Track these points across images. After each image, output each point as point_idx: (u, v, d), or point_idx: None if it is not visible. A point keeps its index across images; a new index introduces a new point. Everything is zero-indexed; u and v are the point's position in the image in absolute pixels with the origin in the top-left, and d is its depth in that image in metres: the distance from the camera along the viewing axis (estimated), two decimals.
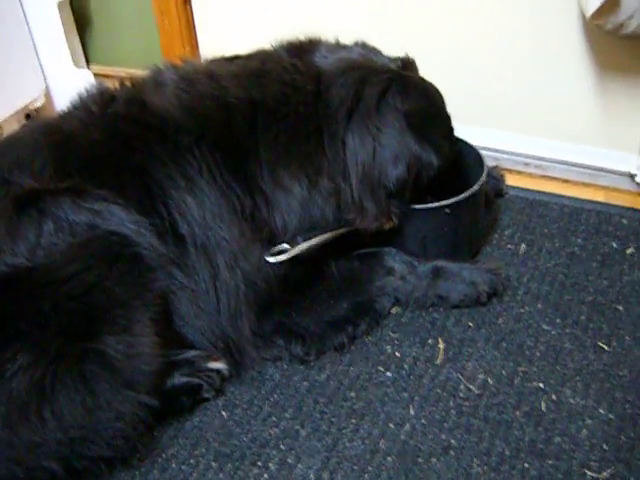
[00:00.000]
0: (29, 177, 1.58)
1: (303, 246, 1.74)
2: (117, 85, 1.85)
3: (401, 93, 1.76)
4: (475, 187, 1.88)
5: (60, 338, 1.43)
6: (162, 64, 1.88)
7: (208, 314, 1.69)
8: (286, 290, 1.78)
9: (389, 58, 1.89)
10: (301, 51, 1.86)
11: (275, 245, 1.73)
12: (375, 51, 1.90)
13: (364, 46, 1.90)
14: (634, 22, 1.81)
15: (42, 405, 1.39)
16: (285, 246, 1.73)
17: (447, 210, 1.84)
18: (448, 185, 1.89)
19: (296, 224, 1.74)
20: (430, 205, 1.84)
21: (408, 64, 1.91)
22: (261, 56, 1.87)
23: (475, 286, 1.87)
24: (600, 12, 1.81)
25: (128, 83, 1.85)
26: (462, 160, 2.05)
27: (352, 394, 1.69)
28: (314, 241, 1.75)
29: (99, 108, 1.76)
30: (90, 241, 1.52)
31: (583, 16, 1.91)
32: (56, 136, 1.70)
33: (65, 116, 1.80)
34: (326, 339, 1.79)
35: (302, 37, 1.90)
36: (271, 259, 1.71)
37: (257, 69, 1.81)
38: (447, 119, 1.91)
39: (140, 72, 1.90)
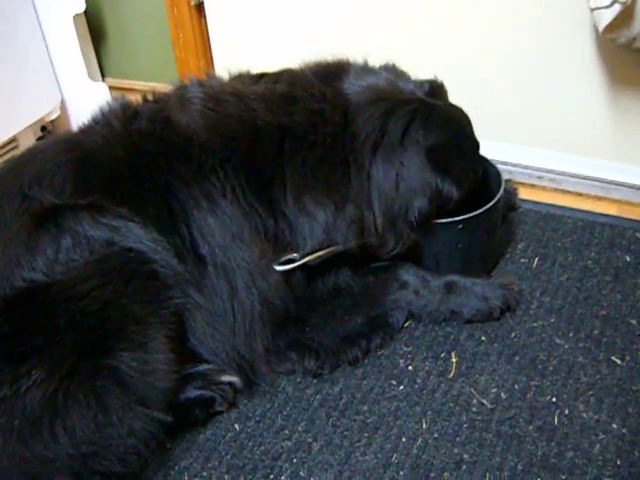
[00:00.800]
0: (49, 193, 1.58)
1: (312, 256, 1.74)
2: (139, 99, 1.85)
3: (424, 126, 1.77)
4: (490, 204, 1.87)
5: (74, 354, 1.43)
6: (188, 79, 1.89)
7: (223, 334, 1.70)
8: (301, 307, 1.79)
9: (416, 83, 1.88)
10: (329, 76, 1.86)
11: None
12: (403, 75, 1.90)
13: (392, 70, 1.91)
14: None
15: (54, 420, 1.39)
16: (294, 255, 1.73)
17: (460, 226, 1.84)
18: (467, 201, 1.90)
19: (317, 248, 1.75)
20: (443, 221, 1.84)
21: (436, 89, 1.90)
22: (289, 78, 1.87)
23: (488, 301, 1.87)
24: (613, 26, 1.81)
25: (150, 98, 1.85)
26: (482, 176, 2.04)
27: (365, 408, 1.69)
28: (323, 252, 1.75)
29: (121, 124, 1.75)
30: (107, 257, 1.53)
31: (596, 30, 1.91)
32: (77, 152, 1.70)
33: (86, 131, 1.79)
34: (340, 353, 1.79)
35: (330, 59, 1.91)
36: (279, 267, 1.71)
37: (286, 93, 1.81)
38: (471, 149, 1.90)
39: (157, 86, 1.91)
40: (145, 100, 1.85)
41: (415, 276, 1.88)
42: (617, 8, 1.75)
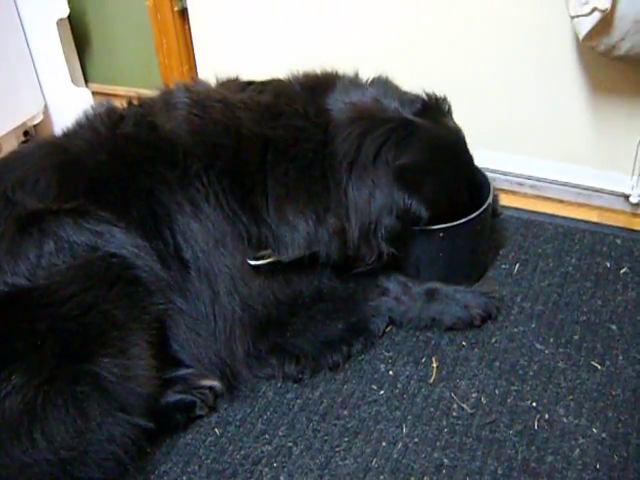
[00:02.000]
0: (33, 197, 1.58)
1: (288, 256, 1.74)
2: (124, 104, 1.85)
3: (397, 146, 1.77)
4: (473, 215, 1.87)
5: (54, 359, 1.43)
6: (174, 84, 1.89)
7: (205, 339, 1.70)
8: (282, 312, 1.78)
9: (406, 99, 1.88)
10: (316, 90, 1.87)
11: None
12: (393, 90, 1.90)
13: (383, 83, 1.91)
14: (626, 44, 1.82)
15: (32, 426, 1.38)
16: (269, 251, 1.73)
17: (441, 234, 1.84)
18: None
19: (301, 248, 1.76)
20: (424, 228, 1.83)
21: (431, 105, 1.90)
22: (275, 89, 1.88)
23: (469, 309, 1.87)
24: (593, 34, 1.82)
25: (136, 102, 1.85)
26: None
27: (345, 412, 1.69)
28: (299, 252, 1.76)
29: (106, 128, 1.75)
30: (90, 263, 1.53)
31: (577, 38, 1.92)
32: (61, 156, 1.70)
33: (71, 135, 1.79)
34: (320, 359, 1.79)
35: (319, 71, 1.93)
36: (253, 262, 1.72)
37: (271, 105, 1.82)
38: (452, 171, 1.88)
39: (140, 91, 1.91)
40: (130, 104, 1.86)
41: (396, 283, 1.88)
42: (597, 16, 1.77)
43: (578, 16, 1.82)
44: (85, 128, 1.79)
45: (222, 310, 1.70)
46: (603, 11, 1.75)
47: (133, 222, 1.62)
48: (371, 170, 1.76)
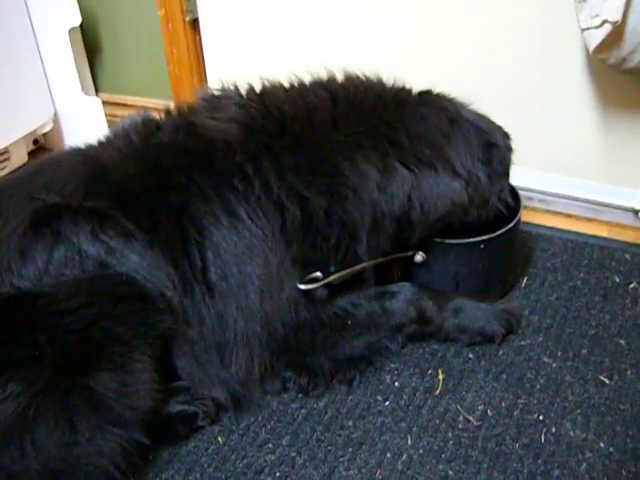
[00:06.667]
0: (56, 196, 1.56)
1: (335, 275, 1.71)
2: (162, 114, 1.82)
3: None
4: (510, 225, 1.87)
5: (50, 370, 1.41)
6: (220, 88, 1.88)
7: (213, 362, 1.67)
8: (303, 332, 1.75)
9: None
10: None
11: (312, 270, 1.71)
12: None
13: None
14: (637, 56, 1.82)
15: (23, 435, 1.37)
16: (318, 274, 1.70)
17: (482, 246, 1.84)
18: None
19: (370, 221, 1.74)
20: (465, 240, 1.83)
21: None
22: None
23: (491, 326, 1.85)
24: (603, 46, 1.82)
25: (175, 110, 1.82)
26: None
27: (350, 423, 1.68)
28: (346, 271, 1.73)
29: (140, 138, 1.72)
30: (98, 278, 1.51)
31: (587, 51, 1.92)
32: (92, 165, 1.67)
33: (105, 144, 1.77)
34: (338, 375, 1.78)
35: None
36: (303, 287, 1.68)
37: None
38: None
39: (150, 101, 1.90)
40: (168, 112, 1.83)
41: (420, 300, 1.84)
42: (607, 28, 1.76)
43: (588, 28, 1.81)
44: (120, 138, 1.75)
45: (245, 330, 1.66)
46: (614, 23, 1.74)
47: (159, 241, 1.58)
48: None
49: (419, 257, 1.87)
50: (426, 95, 1.90)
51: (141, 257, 1.55)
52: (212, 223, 1.63)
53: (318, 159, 1.71)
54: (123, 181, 1.63)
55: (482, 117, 1.92)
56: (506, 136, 1.93)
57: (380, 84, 1.88)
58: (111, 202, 1.59)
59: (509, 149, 1.93)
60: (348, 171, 1.71)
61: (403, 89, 1.89)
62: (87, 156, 1.73)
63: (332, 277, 1.71)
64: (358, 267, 1.75)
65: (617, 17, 1.73)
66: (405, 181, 1.76)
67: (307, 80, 1.87)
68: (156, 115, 1.83)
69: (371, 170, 1.73)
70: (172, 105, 1.87)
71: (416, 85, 1.92)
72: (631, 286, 2.04)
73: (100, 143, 1.79)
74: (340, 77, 1.88)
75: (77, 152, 1.79)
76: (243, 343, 1.67)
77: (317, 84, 1.86)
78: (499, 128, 1.93)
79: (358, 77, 1.88)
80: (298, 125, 1.73)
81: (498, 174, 1.89)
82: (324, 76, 1.88)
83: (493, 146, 1.87)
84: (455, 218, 1.84)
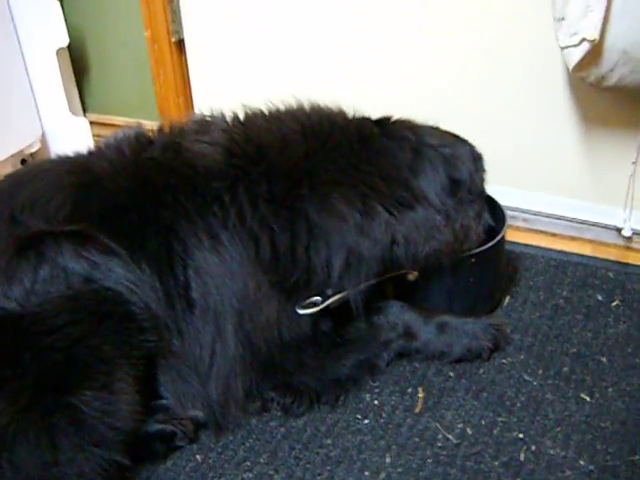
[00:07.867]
0: (40, 219, 1.56)
1: (334, 298, 1.71)
2: (154, 131, 1.83)
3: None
4: (498, 237, 1.89)
5: (33, 388, 1.40)
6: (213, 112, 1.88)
7: (197, 379, 1.66)
8: (288, 351, 1.74)
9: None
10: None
11: (304, 294, 1.70)
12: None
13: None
14: (616, 75, 1.83)
15: (1, 453, 1.36)
16: (317, 299, 1.70)
17: (472, 260, 1.85)
18: None
19: (342, 264, 1.70)
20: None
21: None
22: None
23: (478, 341, 1.85)
24: (582, 64, 1.82)
25: (167, 129, 1.82)
26: None
27: (328, 441, 1.66)
28: (345, 293, 1.72)
29: (132, 151, 1.72)
30: (83, 294, 1.50)
31: (568, 69, 1.93)
32: (81, 176, 1.67)
33: (95, 154, 1.76)
34: (323, 395, 1.76)
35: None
36: (302, 311, 1.68)
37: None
38: None
39: (136, 122, 1.90)
40: (161, 130, 1.83)
41: (407, 318, 1.85)
42: (585, 46, 1.77)
43: (567, 47, 1.83)
44: (111, 149, 1.75)
45: (224, 349, 1.65)
46: (592, 41, 1.75)
47: (146, 256, 1.59)
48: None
49: (412, 276, 1.86)
50: (386, 126, 1.88)
51: (125, 270, 1.55)
52: (195, 244, 1.63)
53: (287, 189, 1.70)
54: (115, 193, 1.63)
55: (447, 139, 1.91)
56: (477, 157, 1.92)
57: (342, 116, 1.87)
58: (101, 215, 1.59)
59: (481, 170, 1.93)
60: (316, 210, 1.70)
61: (363, 120, 1.88)
62: (75, 165, 1.73)
63: (330, 300, 1.71)
64: (355, 290, 1.73)
65: (595, 35, 1.75)
66: (388, 224, 1.75)
67: (282, 109, 1.87)
68: (149, 132, 1.83)
69: (349, 211, 1.71)
70: (164, 123, 1.87)
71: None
72: (614, 304, 2.03)
73: (90, 153, 1.79)
74: (307, 107, 1.87)
75: (64, 161, 1.78)
76: (222, 362, 1.66)
77: (289, 114, 1.85)
78: (468, 149, 1.92)
79: (321, 109, 1.87)
80: (273, 152, 1.73)
81: (469, 200, 1.88)
82: (294, 105, 1.88)
83: (458, 176, 1.86)
84: (444, 256, 1.82)
